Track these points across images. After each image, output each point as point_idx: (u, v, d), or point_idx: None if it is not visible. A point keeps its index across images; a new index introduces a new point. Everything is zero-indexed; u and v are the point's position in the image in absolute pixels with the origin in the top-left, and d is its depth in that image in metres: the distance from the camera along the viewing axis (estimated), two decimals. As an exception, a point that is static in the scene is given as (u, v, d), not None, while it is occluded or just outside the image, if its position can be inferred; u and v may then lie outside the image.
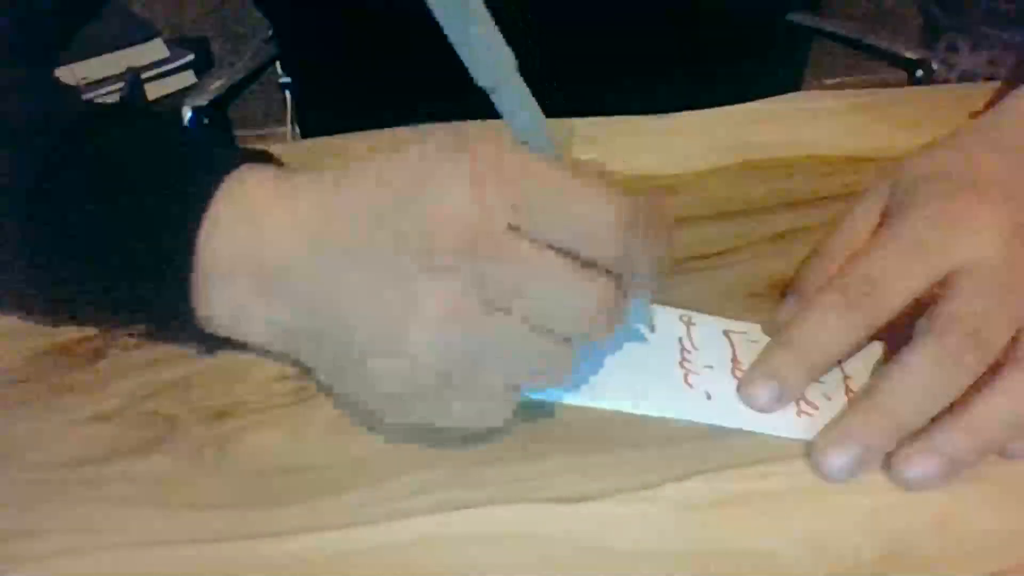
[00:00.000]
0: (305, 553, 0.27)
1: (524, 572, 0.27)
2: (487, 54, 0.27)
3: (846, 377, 0.33)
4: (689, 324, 0.36)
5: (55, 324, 0.35)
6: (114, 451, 0.30)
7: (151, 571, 0.27)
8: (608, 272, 0.28)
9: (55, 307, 0.34)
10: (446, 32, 0.26)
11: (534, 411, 0.32)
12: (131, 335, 0.35)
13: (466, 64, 0.27)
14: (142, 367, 0.34)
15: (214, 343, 0.33)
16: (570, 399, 0.32)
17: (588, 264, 0.28)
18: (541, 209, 0.27)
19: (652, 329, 0.34)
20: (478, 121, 0.37)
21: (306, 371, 0.32)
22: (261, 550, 0.27)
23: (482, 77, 0.27)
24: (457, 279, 0.27)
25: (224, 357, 0.33)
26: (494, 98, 0.28)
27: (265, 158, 0.33)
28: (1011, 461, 0.30)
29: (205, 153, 0.32)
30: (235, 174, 0.31)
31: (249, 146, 0.34)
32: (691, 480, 0.29)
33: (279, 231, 0.30)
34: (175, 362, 0.34)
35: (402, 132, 0.48)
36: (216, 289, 0.30)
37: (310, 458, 0.30)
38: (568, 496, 0.29)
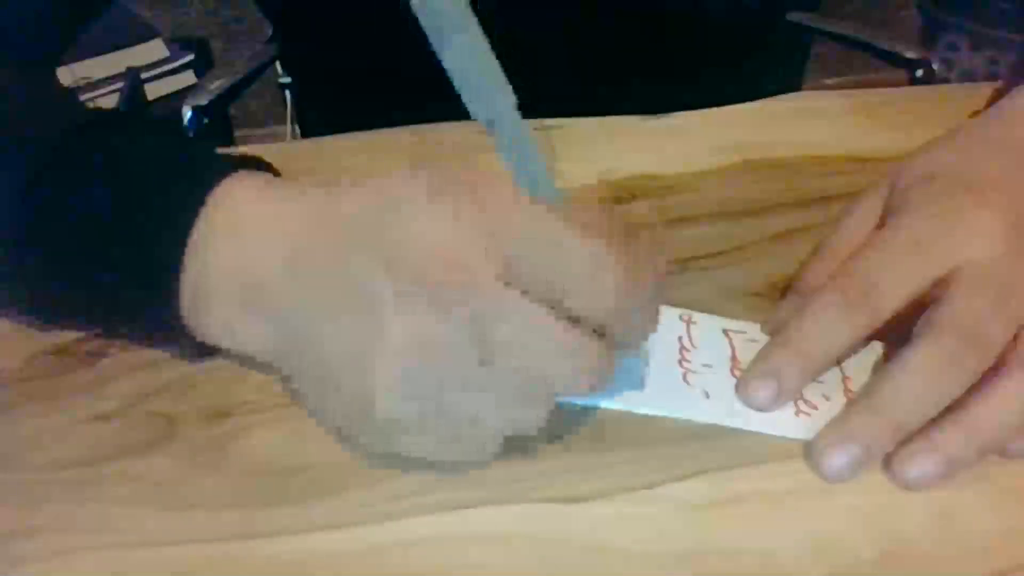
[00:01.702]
0: (305, 553, 0.27)
1: (524, 572, 0.27)
2: (487, 91, 0.26)
3: (845, 377, 0.33)
4: (688, 323, 0.36)
5: (46, 327, 0.35)
6: (114, 451, 0.30)
7: (151, 571, 0.27)
8: (595, 328, 0.27)
9: (45, 313, 0.34)
10: (444, 66, 0.26)
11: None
12: (126, 338, 0.35)
13: (464, 99, 0.27)
14: (142, 367, 0.34)
15: (206, 349, 0.32)
16: (569, 399, 0.32)
17: (575, 318, 0.26)
18: (531, 259, 0.26)
19: (642, 387, 0.33)
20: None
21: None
22: (261, 550, 0.27)
23: (480, 113, 0.27)
24: (428, 309, 0.26)
25: (224, 357, 0.33)
26: (491, 134, 0.27)
27: (258, 164, 0.33)
28: (1011, 461, 0.30)
29: (195, 163, 0.32)
30: (225, 184, 0.30)
31: (243, 152, 0.33)
32: (691, 480, 0.29)
33: (262, 249, 0.29)
34: (175, 362, 0.34)
35: (401, 133, 0.48)
36: (204, 304, 0.30)
37: (310, 458, 0.30)
38: (568, 496, 0.29)
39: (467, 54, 0.26)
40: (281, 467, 0.30)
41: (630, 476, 0.29)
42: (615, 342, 0.28)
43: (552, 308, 0.26)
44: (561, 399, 0.29)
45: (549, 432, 0.31)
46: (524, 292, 0.26)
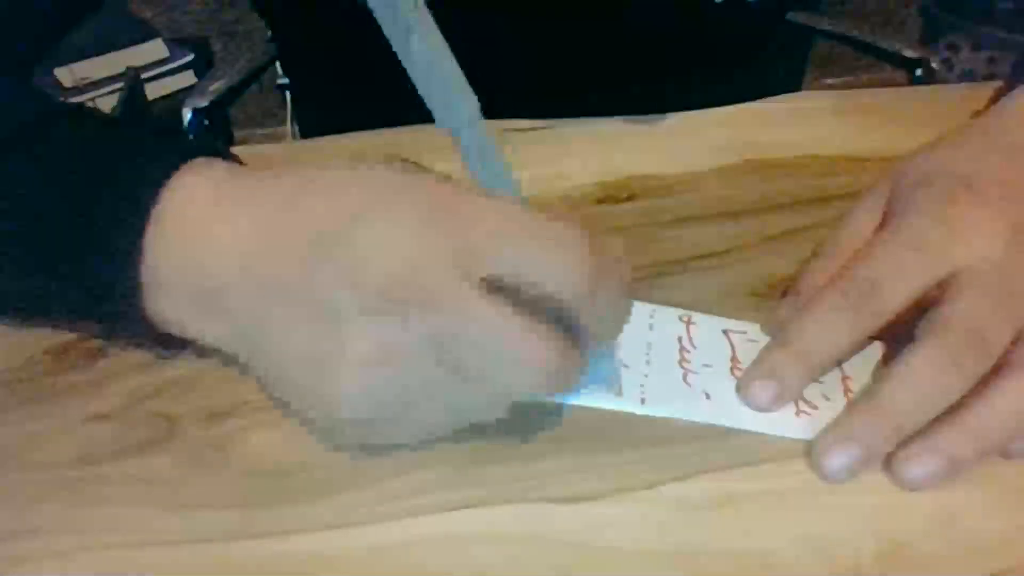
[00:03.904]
0: (305, 553, 0.27)
1: (524, 572, 0.27)
2: (449, 97, 0.26)
3: (845, 377, 0.33)
4: (688, 323, 0.36)
5: (13, 324, 0.35)
6: (114, 451, 0.30)
7: (151, 571, 0.27)
8: (566, 327, 0.27)
9: (9, 311, 0.34)
10: (409, 74, 0.26)
11: (534, 411, 0.32)
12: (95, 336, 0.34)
13: (428, 106, 0.26)
14: (142, 367, 0.34)
15: (173, 345, 0.32)
16: (569, 399, 0.32)
17: (542, 317, 0.26)
18: (495, 256, 0.26)
19: (619, 392, 0.32)
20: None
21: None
22: (261, 550, 0.27)
23: (444, 120, 0.27)
24: (391, 322, 0.26)
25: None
26: (455, 141, 0.27)
27: (217, 152, 0.32)
28: (1011, 461, 0.30)
29: (148, 154, 0.31)
30: (179, 178, 0.29)
31: (205, 142, 0.32)
32: (691, 480, 0.29)
33: (217, 250, 0.29)
34: (175, 362, 0.34)
35: (400, 133, 0.48)
36: (161, 300, 0.30)
37: (310, 458, 0.30)
38: (568, 496, 0.29)
39: (431, 63, 0.26)
40: (281, 467, 0.30)
41: (630, 476, 0.29)
42: (586, 335, 0.27)
43: (527, 306, 0.26)
44: (527, 400, 0.29)
45: (549, 432, 0.31)
46: (504, 291, 0.26)
